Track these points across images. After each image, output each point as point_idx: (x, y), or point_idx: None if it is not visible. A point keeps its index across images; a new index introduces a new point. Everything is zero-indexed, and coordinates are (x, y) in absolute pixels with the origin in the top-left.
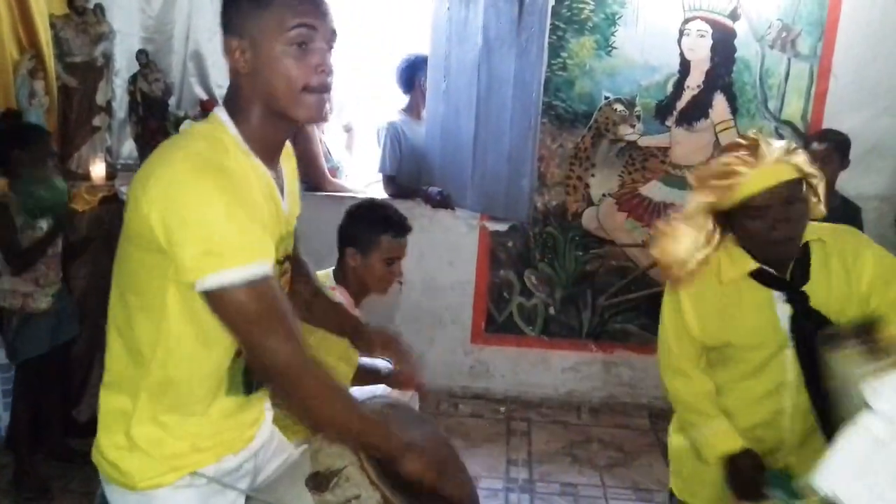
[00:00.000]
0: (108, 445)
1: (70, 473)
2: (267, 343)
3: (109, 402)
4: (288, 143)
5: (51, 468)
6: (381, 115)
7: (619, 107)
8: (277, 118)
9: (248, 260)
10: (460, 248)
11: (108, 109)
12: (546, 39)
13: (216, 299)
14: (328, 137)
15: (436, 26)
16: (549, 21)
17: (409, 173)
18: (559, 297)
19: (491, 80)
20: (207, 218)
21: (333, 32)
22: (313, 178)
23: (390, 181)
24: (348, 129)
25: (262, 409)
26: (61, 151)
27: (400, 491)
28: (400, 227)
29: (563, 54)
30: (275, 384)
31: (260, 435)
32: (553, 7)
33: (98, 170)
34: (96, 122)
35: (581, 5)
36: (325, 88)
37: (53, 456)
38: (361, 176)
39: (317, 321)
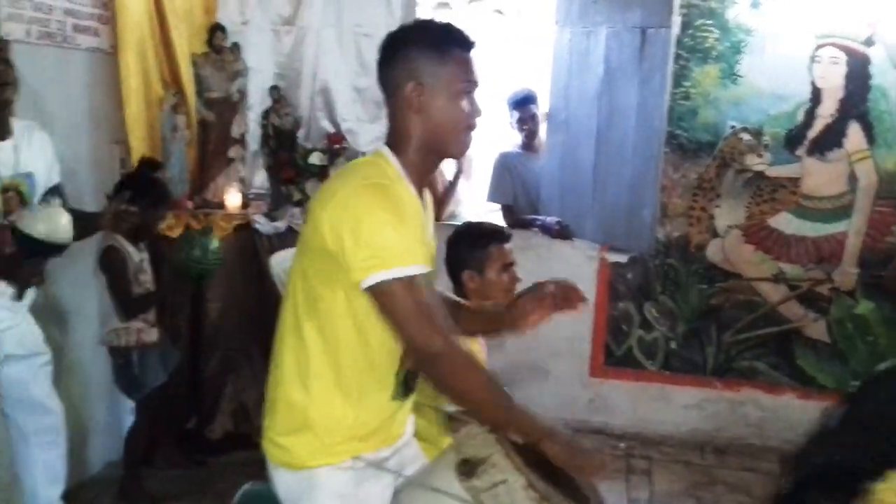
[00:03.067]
0: (279, 431)
1: (204, 489)
2: (423, 333)
3: (282, 393)
4: None
5: (187, 484)
6: (494, 147)
7: (745, 136)
8: (433, 153)
9: (409, 262)
10: (578, 278)
11: (242, 142)
12: (670, 68)
13: (378, 295)
14: (445, 168)
15: (556, 57)
16: (672, 50)
17: (521, 204)
18: (681, 331)
19: (612, 109)
20: (374, 227)
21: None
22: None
23: (508, 211)
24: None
25: (409, 410)
26: (199, 182)
27: (543, 478)
28: (501, 233)
29: (687, 83)
30: (430, 371)
31: (406, 433)
32: (677, 36)
33: (233, 199)
34: (231, 153)
35: (705, 34)
36: (474, 128)
37: (182, 467)
38: (476, 206)
39: (470, 329)
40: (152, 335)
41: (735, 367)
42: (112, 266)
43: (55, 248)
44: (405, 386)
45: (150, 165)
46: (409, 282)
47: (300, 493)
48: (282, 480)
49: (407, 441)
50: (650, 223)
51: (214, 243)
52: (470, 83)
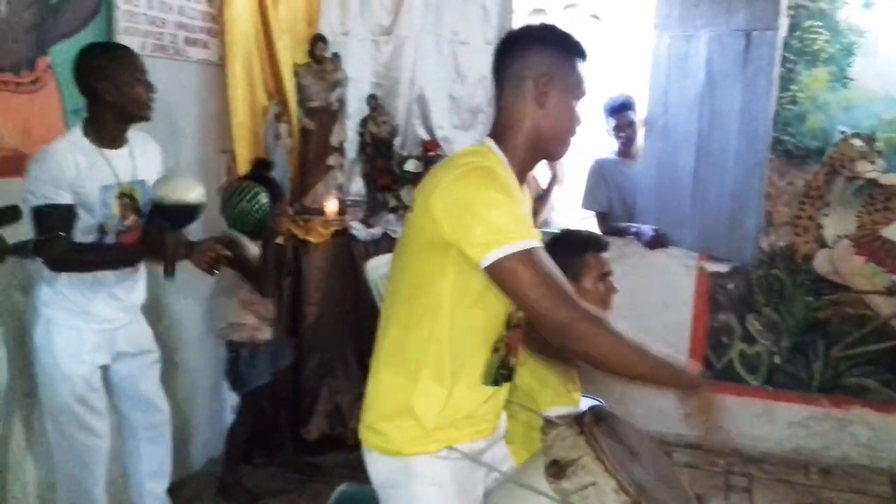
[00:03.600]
0: (379, 417)
1: (300, 489)
2: (551, 303)
3: (387, 379)
4: None
5: (284, 483)
6: (589, 154)
7: (856, 142)
8: (537, 151)
9: (526, 236)
10: (676, 288)
11: (340, 150)
12: (776, 72)
13: (502, 271)
14: (539, 174)
15: (655, 62)
16: (779, 53)
17: (616, 212)
18: (786, 345)
19: (713, 115)
20: (488, 206)
21: None
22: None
23: (602, 218)
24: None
25: (502, 400)
26: (299, 188)
27: (636, 483)
28: (598, 241)
29: (794, 87)
30: (562, 340)
31: (501, 426)
32: (783, 38)
33: (331, 205)
34: (330, 161)
35: (814, 36)
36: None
37: (288, 469)
38: (570, 212)
39: (551, 351)
40: (265, 333)
41: (843, 384)
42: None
43: (190, 213)
44: (498, 372)
45: (263, 165)
46: (527, 254)
47: (396, 479)
48: (377, 466)
49: (499, 437)
50: (754, 232)
51: (262, 196)
52: (584, 93)
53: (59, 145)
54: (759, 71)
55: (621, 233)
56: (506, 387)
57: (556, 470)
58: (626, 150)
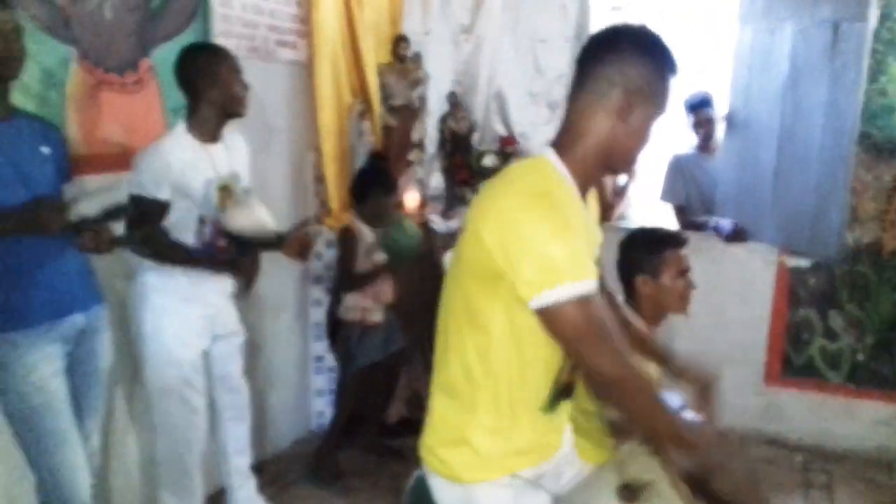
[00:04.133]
0: (439, 443)
1: (379, 471)
2: (597, 355)
3: (444, 406)
4: None
5: (366, 464)
6: (670, 147)
7: None
8: (604, 165)
9: (580, 277)
10: (754, 283)
11: (421, 146)
12: (865, 64)
13: (551, 315)
14: None
15: (737, 55)
16: (868, 45)
17: (693, 206)
18: (870, 342)
19: (797, 108)
20: (543, 239)
21: None
22: (601, 209)
23: (681, 212)
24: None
25: (565, 418)
26: None
27: None
28: (677, 238)
29: (883, 78)
30: (606, 394)
31: (564, 444)
32: (874, 29)
33: (411, 200)
34: (411, 157)
35: None
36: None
37: (370, 451)
38: (647, 207)
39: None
40: (376, 316)
41: None
42: (342, 243)
43: (267, 241)
44: (557, 399)
45: (379, 157)
46: (579, 301)
47: None
48: (440, 490)
49: (566, 453)
50: (838, 227)
51: (413, 227)
52: (666, 110)
53: (166, 143)
54: (847, 63)
55: (700, 227)
56: (567, 404)
57: (629, 493)
58: (704, 145)
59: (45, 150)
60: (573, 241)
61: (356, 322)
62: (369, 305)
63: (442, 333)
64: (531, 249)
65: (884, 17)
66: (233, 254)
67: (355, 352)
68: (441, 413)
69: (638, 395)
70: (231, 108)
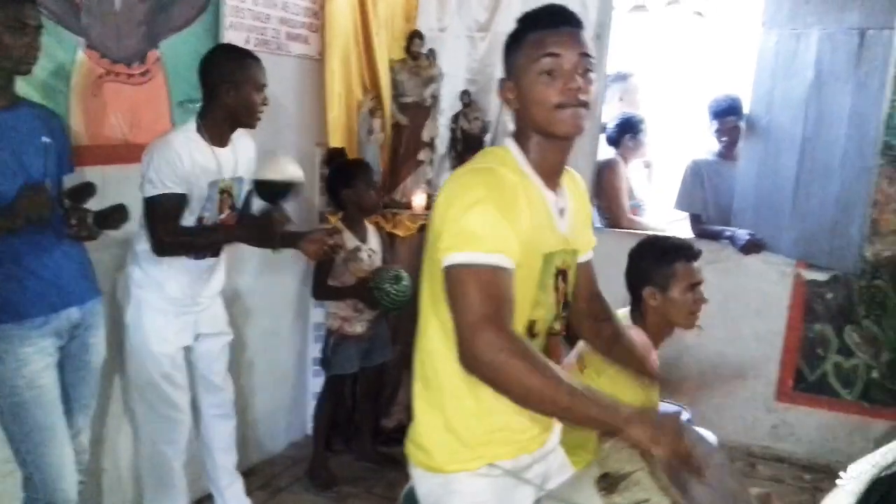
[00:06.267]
0: (422, 432)
1: (375, 477)
2: (475, 333)
3: (420, 396)
4: (579, 177)
5: (360, 471)
6: (688, 153)
7: None
8: (547, 140)
9: (492, 249)
10: (770, 296)
11: (431, 145)
12: (891, 72)
13: (452, 276)
14: (633, 174)
15: (761, 60)
16: (895, 52)
17: (710, 215)
18: (886, 359)
19: (820, 116)
20: (468, 208)
21: (582, 55)
22: (613, 214)
23: (696, 220)
24: (648, 166)
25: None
26: (389, 182)
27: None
28: (690, 249)
29: None
30: (473, 370)
31: (551, 441)
32: None
33: (419, 200)
34: (421, 156)
35: None
36: (575, 104)
37: (364, 458)
38: (662, 214)
39: (614, 360)
40: (356, 327)
41: None
42: None
43: (289, 190)
44: None
45: (338, 153)
46: (483, 270)
47: (438, 496)
48: (421, 482)
49: (552, 449)
50: (858, 240)
51: (405, 279)
52: (547, 58)
53: (177, 138)
54: (873, 71)
55: (715, 236)
56: None
57: (608, 483)
58: (727, 152)
59: (46, 139)
60: (502, 216)
61: (334, 330)
62: (350, 315)
63: (419, 322)
64: (457, 217)
65: None
66: (252, 226)
67: (331, 360)
68: (418, 403)
69: (516, 381)
70: (242, 117)
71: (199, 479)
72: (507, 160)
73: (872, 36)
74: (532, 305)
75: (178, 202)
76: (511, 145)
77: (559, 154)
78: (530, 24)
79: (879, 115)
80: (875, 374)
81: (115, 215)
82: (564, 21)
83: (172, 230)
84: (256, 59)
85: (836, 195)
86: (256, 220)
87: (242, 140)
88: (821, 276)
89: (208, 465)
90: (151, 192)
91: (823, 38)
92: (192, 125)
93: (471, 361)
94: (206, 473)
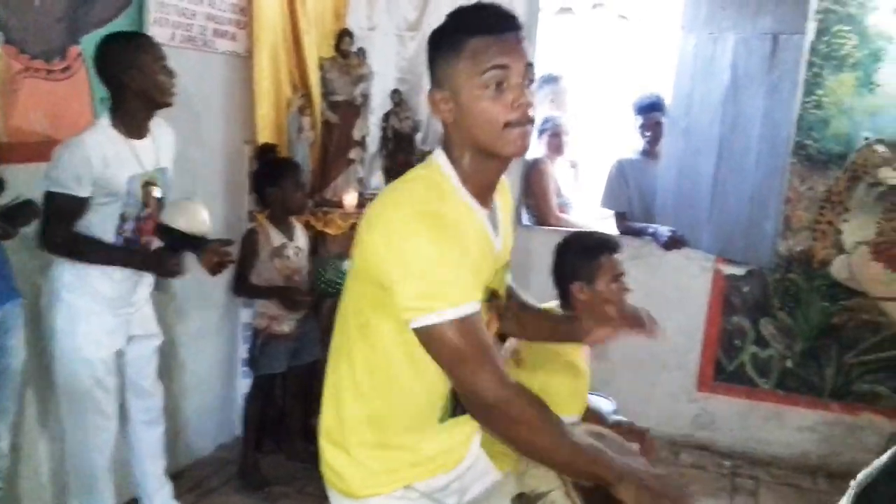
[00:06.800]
0: (333, 456)
1: (307, 477)
2: (475, 377)
3: (331, 417)
4: (503, 178)
5: (292, 470)
6: (612, 152)
7: (880, 148)
8: (487, 158)
9: (459, 301)
10: (690, 290)
11: (362, 144)
12: (801, 76)
13: (428, 336)
14: (560, 174)
15: (680, 63)
16: (805, 57)
17: (635, 212)
18: (799, 349)
19: (737, 117)
20: (423, 262)
21: (528, 66)
22: (542, 212)
23: (621, 218)
24: (574, 165)
25: (473, 428)
26: (320, 181)
27: None
28: (612, 243)
29: (819, 91)
30: (483, 417)
31: (470, 455)
32: (811, 43)
33: (350, 199)
34: (352, 155)
35: (842, 41)
36: (525, 121)
37: (295, 458)
38: (589, 212)
39: (531, 334)
40: (283, 326)
41: (855, 391)
42: (244, 246)
43: (195, 242)
44: (454, 411)
45: (269, 149)
46: (460, 323)
47: None
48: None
49: (470, 463)
50: (772, 236)
51: (346, 265)
52: (496, 70)
53: (90, 137)
54: (785, 75)
55: (639, 233)
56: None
57: (523, 502)
58: (650, 149)
59: None
60: (455, 263)
61: (261, 329)
62: (278, 314)
63: (336, 335)
64: (413, 272)
65: (821, 32)
66: (154, 250)
67: (258, 360)
68: (334, 426)
69: (526, 420)
70: (157, 97)
71: (126, 483)
72: (441, 185)
73: (785, 41)
74: None
75: (75, 206)
76: (441, 160)
77: (496, 172)
78: (470, 27)
79: (791, 117)
80: (790, 364)
81: (23, 210)
82: (509, 26)
83: (62, 233)
84: (148, 37)
85: (752, 193)
86: (159, 257)
87: (161, 129)
88: (738, 271)
89: (136, 470)
90: (50, 188)
91: (739, 42)
92: (105, 121)
93: (479, 408)
94: (133, 478)
